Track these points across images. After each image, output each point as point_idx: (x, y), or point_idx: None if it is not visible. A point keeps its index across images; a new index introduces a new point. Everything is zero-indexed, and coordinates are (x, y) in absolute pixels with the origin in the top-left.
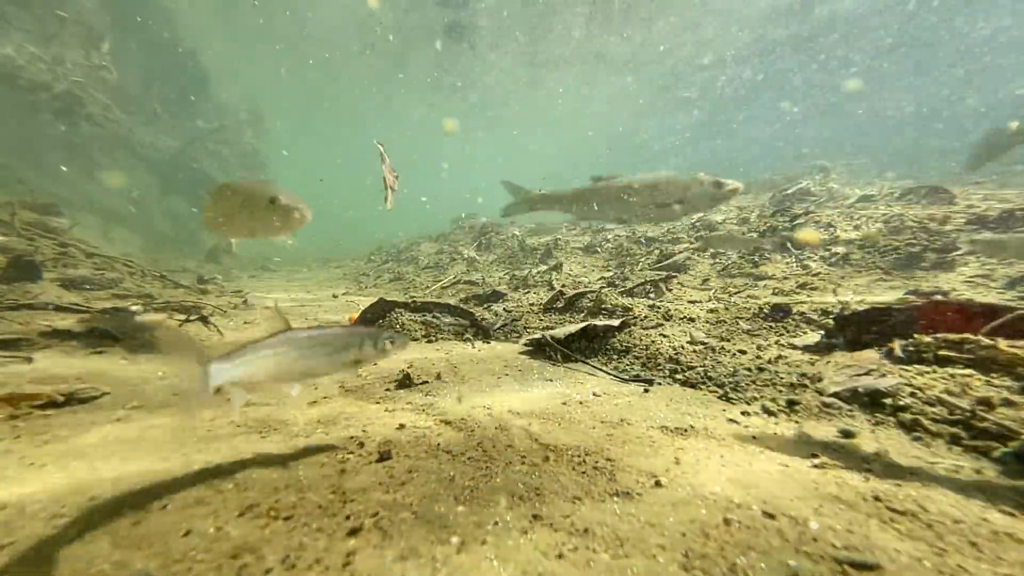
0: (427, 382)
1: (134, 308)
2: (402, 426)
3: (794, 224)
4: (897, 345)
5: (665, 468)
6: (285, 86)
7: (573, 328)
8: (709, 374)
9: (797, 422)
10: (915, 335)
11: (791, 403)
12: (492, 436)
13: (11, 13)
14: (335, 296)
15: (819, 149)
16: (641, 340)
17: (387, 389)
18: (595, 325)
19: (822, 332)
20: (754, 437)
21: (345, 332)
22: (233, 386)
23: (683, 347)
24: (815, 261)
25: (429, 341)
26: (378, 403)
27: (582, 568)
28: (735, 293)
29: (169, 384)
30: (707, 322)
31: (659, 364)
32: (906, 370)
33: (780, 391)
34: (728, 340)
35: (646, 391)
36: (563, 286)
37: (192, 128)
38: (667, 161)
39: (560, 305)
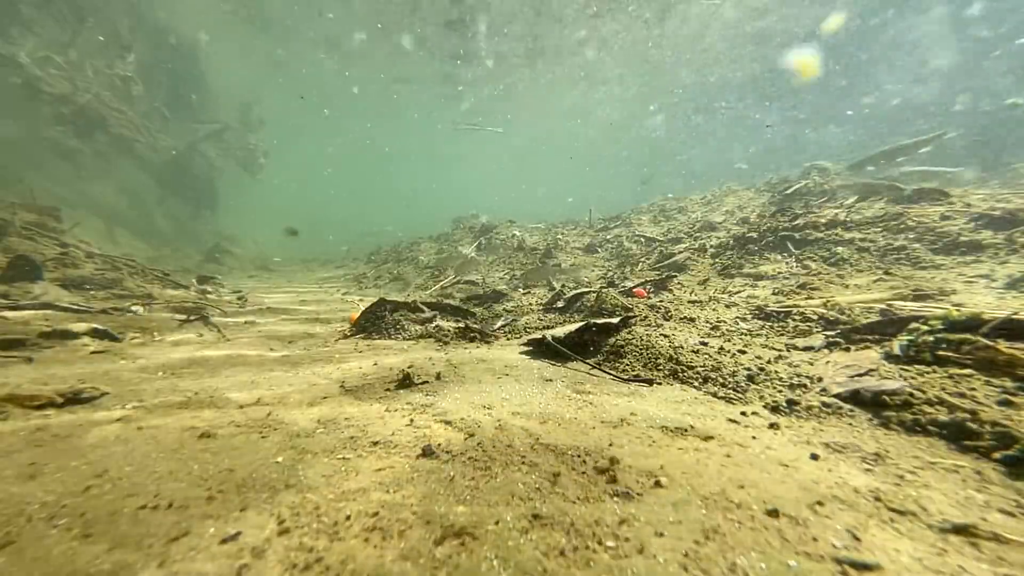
0: (427, 382)
1: (135, 308)
2: (402, 426)
3: (793, 224)
4: (896, 345)
5: (665, 468)
6: (282, 85)
7: (573, 328)
8: (709, 374)
9: (797, 422)
10: (914, 334)
11: (791, 403)
12: (492, 436)
13: (33, 19)
14: (344, 297)
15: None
16: (641, 340)
17: (387, 389)
18: (595, 325)
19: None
20: (754, 437)
21: None
22: None
23: (683, 347)
24: (815, 261)
25: (429, 341)
26: (378, 403)
27: (582, 568)
28: (735, 293)
29: (169, 383)
30: (707, 322)
31: (659, 364)
32: (906, 370)
33: (780, 391)
34: (728, 340)
35: (646, 391)
36: (563, 286)
37: (192, 129)
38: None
39: (560, 305)
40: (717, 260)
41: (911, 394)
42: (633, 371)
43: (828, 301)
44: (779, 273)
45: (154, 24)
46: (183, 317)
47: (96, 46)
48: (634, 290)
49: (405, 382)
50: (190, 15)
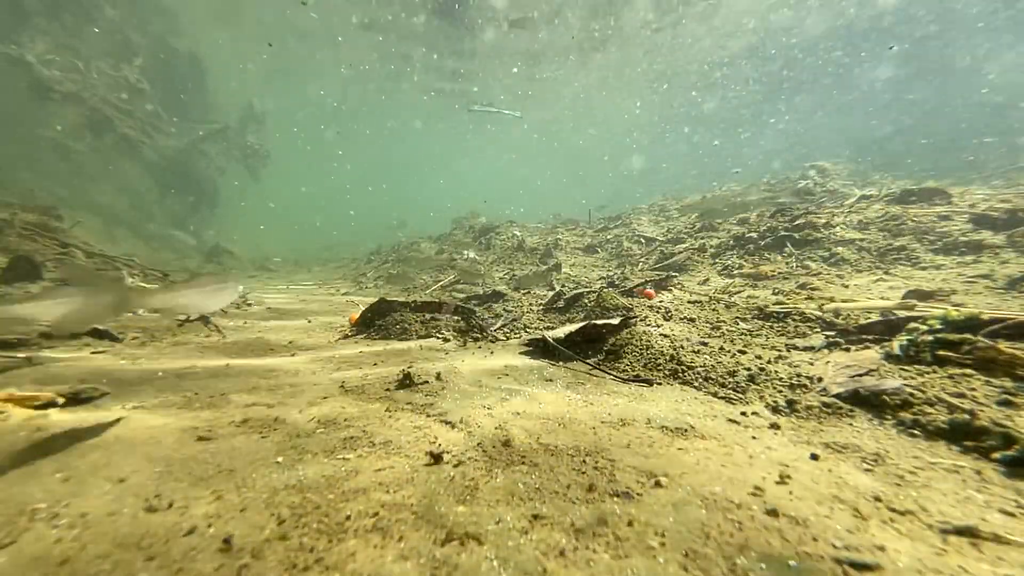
0: (427, 382)
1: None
2: (402, 427)
3: (794, 224)
4: (896, 345)
5: (665, 468)
6: (280, 84)
7: (573, 328)
8: (709, 375)
9: (797, 422)
10: (913, 335)
11: (791, 403)
12: (492, 436)
13: (42, 24)
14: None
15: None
16: (641, 340)
17: (387, 389)
18: (595, 325)
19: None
20: (754, 437)
21: None
22: None
23: (683, 347)
24: (815, 261)
25: (429, 341)
26: (378, 403)
27: (582, 568)
28: (735, 293)
29: (170, 384)
30: (707, 322)
31: (659, 364)
32: (905, 370)
33: (780, 391)
34: (729, 340)
35: (646, 391)
36: (563, 286)
37: (192, 129)
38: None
39: (560, 305)
40: (717, 260)
41: (911, 394)
42: (633, 371)
43: (823, 305)
44: (779, 273)
45: (156, 23)
46: (183, 317)
47: (103, 49)
48: (643, 291)
49: (405, 382)
50: (191, 14)
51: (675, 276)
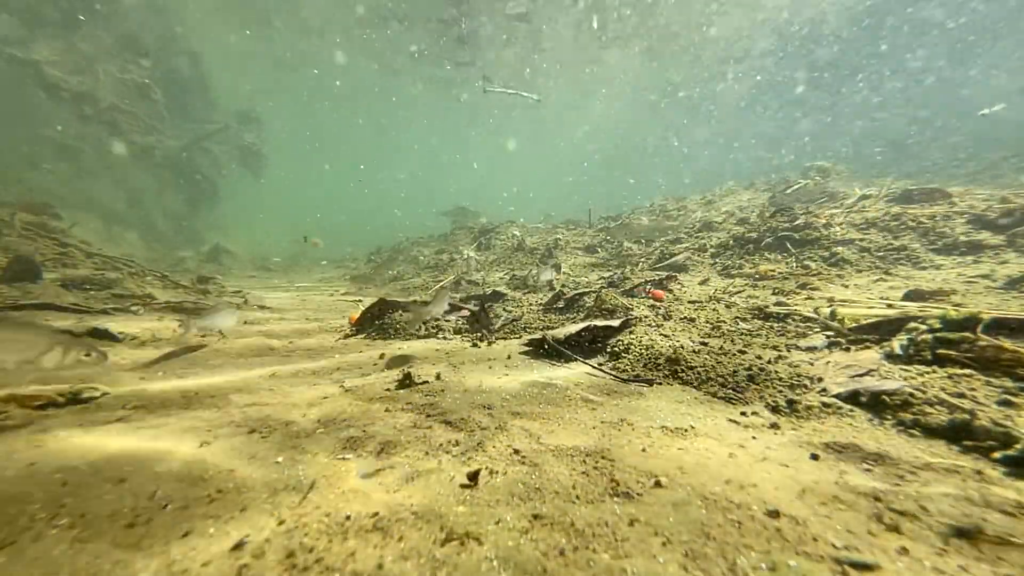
0: (427, 382)
1: (135, 309)
2: (402, 427)
3: (794, 224)
4: (896, 344)
5: (665, 468)
6: (283, 85)
7: (573, 328)
8: (709, 374)
9: (798, 422)
10: (912, 334)
11: (791, 403)
12: (492, 436)
13: (55, 32)
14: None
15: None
16: (641, 340)
17: (387, 389)
18: (595, 325)
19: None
20: (754, 437)
21: None
22: None
23: (683, 347)
24: (815, 261)
25: (429, 341)
26: (379, 403)
27: (582, 568)
28: (735, 293)
29: (170, 384)
30: (707, 322)
31: (659, 364)
32: (906, 370)
33: (780, 391)
34: (729, 340)
35: (646, 391)
36: (563, 286)
37: (192, 128)
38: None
39: (560, 305)
40: (717, 260)
41: (911, 394)
42: (633, 371)
43: (818, 308)
44: (779, 273)
45: (158, 23)
46: (183, 318)
47: (111, 50)
48: (650, 291)
49: (405, 382)
50: (194, 14)
51: (675, 276)
